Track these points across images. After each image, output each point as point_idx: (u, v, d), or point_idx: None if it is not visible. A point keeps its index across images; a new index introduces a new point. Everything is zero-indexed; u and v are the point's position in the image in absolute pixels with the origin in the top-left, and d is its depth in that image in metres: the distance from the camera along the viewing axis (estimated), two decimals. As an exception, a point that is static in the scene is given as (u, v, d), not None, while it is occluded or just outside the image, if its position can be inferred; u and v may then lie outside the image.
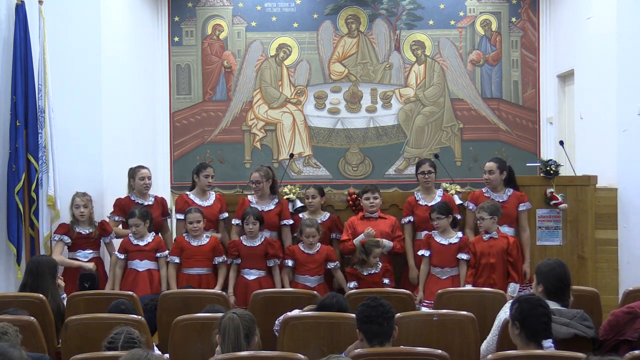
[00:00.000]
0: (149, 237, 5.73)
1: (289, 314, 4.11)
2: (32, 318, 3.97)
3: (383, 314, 3.38)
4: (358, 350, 3.34)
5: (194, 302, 4.52)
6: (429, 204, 5.81)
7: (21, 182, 5.67)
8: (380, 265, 5.51)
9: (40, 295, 4.47)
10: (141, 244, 5.68)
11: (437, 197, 5.92)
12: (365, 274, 5.47)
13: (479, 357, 3.90)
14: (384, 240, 5.69)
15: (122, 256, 5.68)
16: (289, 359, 3.26)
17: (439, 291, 4.67)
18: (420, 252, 5.68)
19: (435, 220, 5.57)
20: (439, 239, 5.57)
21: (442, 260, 5.56)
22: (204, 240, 5.70)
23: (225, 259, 5.68)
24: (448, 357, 3.26)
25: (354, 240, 5.69)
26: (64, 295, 4.91)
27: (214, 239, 5.75)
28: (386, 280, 5.55)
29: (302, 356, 3.22)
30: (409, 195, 6.10)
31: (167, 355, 3.86)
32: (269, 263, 5.65)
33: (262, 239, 5.66)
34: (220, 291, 4.76)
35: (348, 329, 3.73)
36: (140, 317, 4.03)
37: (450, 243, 5.54)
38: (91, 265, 5.68)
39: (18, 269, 5.69)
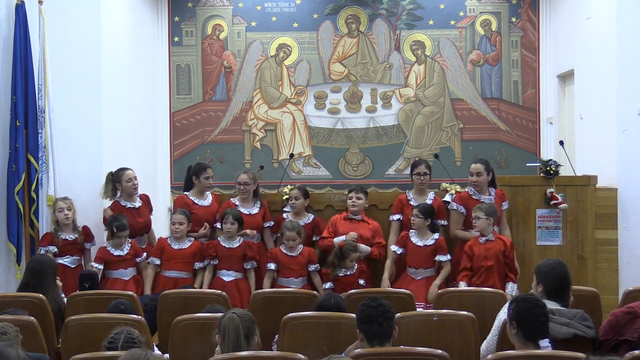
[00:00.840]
0: (127, 245, 5.68)
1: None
2: (32, 318, 3.96)
3: (383, 314, 3.37)
4: (358, 350, 3.34)
5: (194, 302, 4.51)
6: None
7: (21, 182, 5.67)
8: (356, 266, 5.49)
9: (40, 295, 4.47)
10: (122, 253, 5.62)
11: (428, 200, 5.88)
12: (341, 275, 5.43)
13: (479, 357, 3.89)
14: (362, 245, 5.65)
15: (100, 266, 5.59)
16: (289, 359, 3.26)
17: (439, 291, 4.67)
18: (392, 248, 5.64)
19: (413, 217, 5.55)
20: (415, 239, 5.55)
21: (416, 261, 5.54)
22: (186, 243, 5.66)
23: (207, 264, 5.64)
24: (448, 357, 3.26)
25: (335, 240, 5.65)
26: (62, 295, 4.91)
27: (197, 244, 5.69)
28: (361, 282, 5.52)
29: (302, 356, 3.22)
30: (403, 193, 6.08)
31: (167, 355, 3.86)
32: (246, 265, 5.62)
33: (241, 241, 5.64)
34: (220, 291, 4.75)
35: (348, 329, 3.73)
36: (140, 317, 4.03)
37: (426, 245, 5.53)
38: None
39: (18, 269, 5.70)
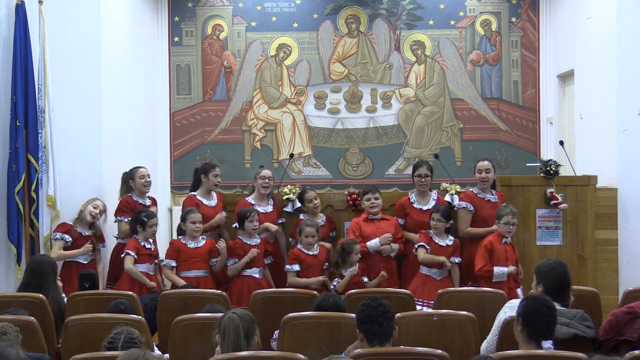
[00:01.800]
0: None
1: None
2: (32, 318, 3.96)
3: (383, 314, 3.37)
4: (358, 350, 3.34)
5: (194, 302, 4.51)
6: (424, 208, 5.81)
7: (21, 182, 5.67)
8: (357, 264, 5.46)
9: (40, 295, 4.47)
10: (152, 247, 5.63)
11: (431, 201, 5.88)
12: (346, 274, 5.40)
13: (479, 357, 3.89)
14: (393, 244, 5.68)
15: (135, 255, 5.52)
16: (289, 359, 3.26)
17: (439, 291, 4.67)
18: (420, 244, 5.55)
19: (435, 221, 5.55)
20: (436, 239, 5.56)
21: None
22: (201, 242, 5.62)
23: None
24: (448, 357, 3.26)
25: (368, 244, 5.61)
26: (62, 295, 4.91)
27: (210, 241, 5.67)
28: (365, 279, 5.52)
29: (302, 356, 3.22)
30: (405, 196, 6.06)
31: (167, 355, 3.86)
32: (266, 260, 5.67)
33: (259, 238, 5.67)
34: (220, 291, 4.75)
35: (348, 329, 3.73)
36: (140, 317, 4.03)
37: (448, 245, 5.55)
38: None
39: (18, 269, 5.69)
